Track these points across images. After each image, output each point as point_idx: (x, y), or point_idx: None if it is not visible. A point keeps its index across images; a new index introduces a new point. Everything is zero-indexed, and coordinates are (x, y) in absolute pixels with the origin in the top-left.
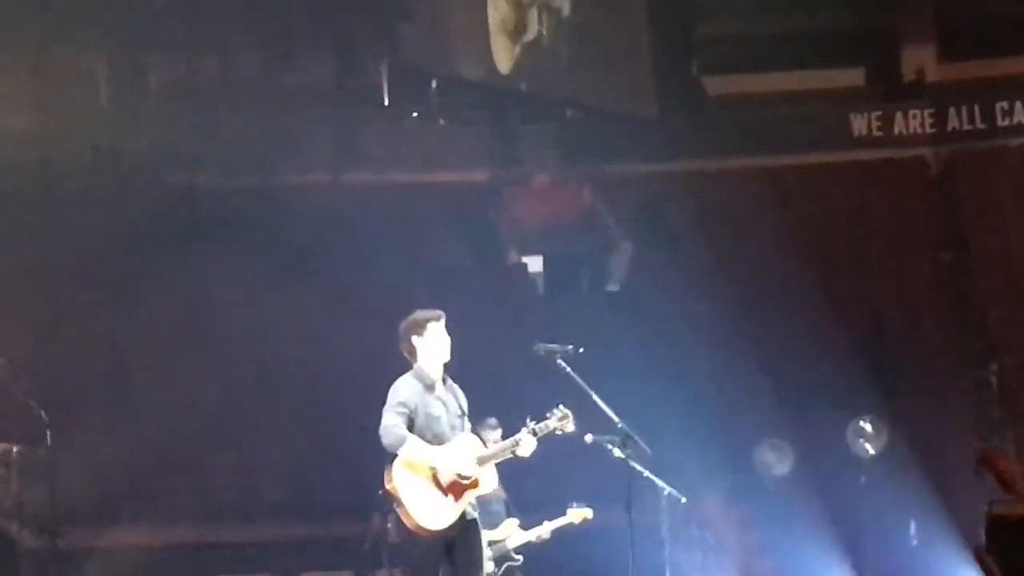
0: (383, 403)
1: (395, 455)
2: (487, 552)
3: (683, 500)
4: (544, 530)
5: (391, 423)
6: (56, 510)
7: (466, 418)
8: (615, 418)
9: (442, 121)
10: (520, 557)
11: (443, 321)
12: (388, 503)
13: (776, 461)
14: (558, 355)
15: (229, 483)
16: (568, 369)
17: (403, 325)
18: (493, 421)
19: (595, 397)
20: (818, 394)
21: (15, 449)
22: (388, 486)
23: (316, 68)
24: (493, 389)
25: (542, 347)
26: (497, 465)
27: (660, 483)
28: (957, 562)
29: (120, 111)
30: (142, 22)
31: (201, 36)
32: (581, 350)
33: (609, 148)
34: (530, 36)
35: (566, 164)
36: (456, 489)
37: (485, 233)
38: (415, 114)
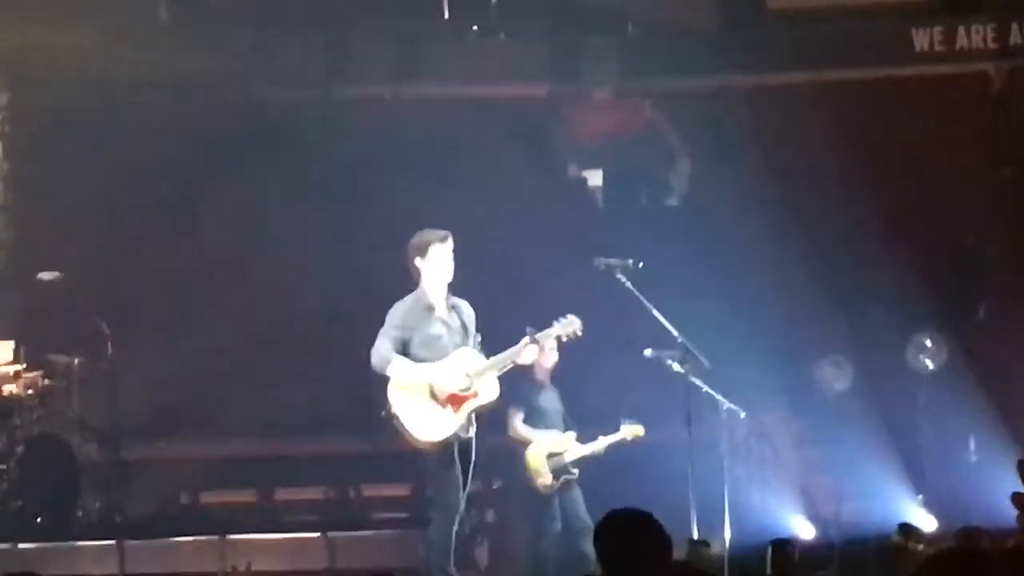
0: None
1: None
2: (546, 464)
3: (742, 415)
4: (598, 445)
5: (379, 346)
6: (116, 422)
7: (471, 335)
8: (675, 333)
9: (502, 35)
10: (576, 471)
11: (449, 242)
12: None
13: (835, 377)
14: (618, 269)
15: (288, 396)
16: (628, 283)
17: (409, 245)
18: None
19: (654, 312)
20: (878, 310)
21: (76, 361)
22: (384, 402)
23: None
24: (554, 304)
25: (602, 261)
26: (557, 380)
27: (719, 398)
28: (1016, 479)
29: (178, 29)
30: None
31: None
32: (641, 264)
33: (669, 63)
34: None
35: (626, 79)
36: (454, 401)
37: (545, 148)
38: (475, 28)
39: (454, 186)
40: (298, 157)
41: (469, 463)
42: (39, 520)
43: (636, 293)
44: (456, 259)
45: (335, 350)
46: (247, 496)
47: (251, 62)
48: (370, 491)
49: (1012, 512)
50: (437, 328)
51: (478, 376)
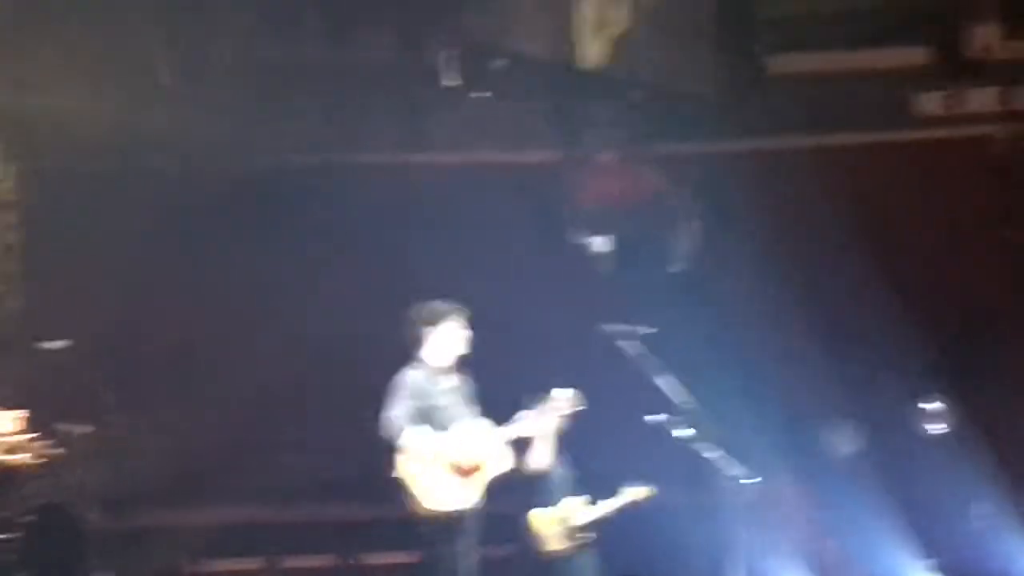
0: None
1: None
2: (555, 530)
3: (751, 481)
4: (607, 507)
5: (392, 415)
6: (124, 490)
7: (475, 405)
8: (681, 399)
9: (505, 101)
10: (592, 534)
11: (461, 319)
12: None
13: (843, 440)
14: (620, 336)
15: (296, 463)
16: (631, 350)
17: (415, 314)
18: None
19: (661, 378)
20: (884, 375)
21: (82, 430)
22: (395, 474)
23: (379, 48)
24: (559, 370)
25: (604, 328)
26: (566, 443)
27: (727, 464)
28: None
29: (179, 93)
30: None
31: (262, 17)
32: (648, 332)
33: (672, 128)
34: (619, 29)
35: (629, 144)
36: (468, 472)
37: (549, 214)
38: (478, 94)
39: (459, 253)
40: (301, 224)
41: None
42: None
43: (640, 360)
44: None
45: (339, 417)
46: (254, 564)
47: (253, 128)
48: (375, 559)
49: None
50: (442, 400)
51: (491, 446)
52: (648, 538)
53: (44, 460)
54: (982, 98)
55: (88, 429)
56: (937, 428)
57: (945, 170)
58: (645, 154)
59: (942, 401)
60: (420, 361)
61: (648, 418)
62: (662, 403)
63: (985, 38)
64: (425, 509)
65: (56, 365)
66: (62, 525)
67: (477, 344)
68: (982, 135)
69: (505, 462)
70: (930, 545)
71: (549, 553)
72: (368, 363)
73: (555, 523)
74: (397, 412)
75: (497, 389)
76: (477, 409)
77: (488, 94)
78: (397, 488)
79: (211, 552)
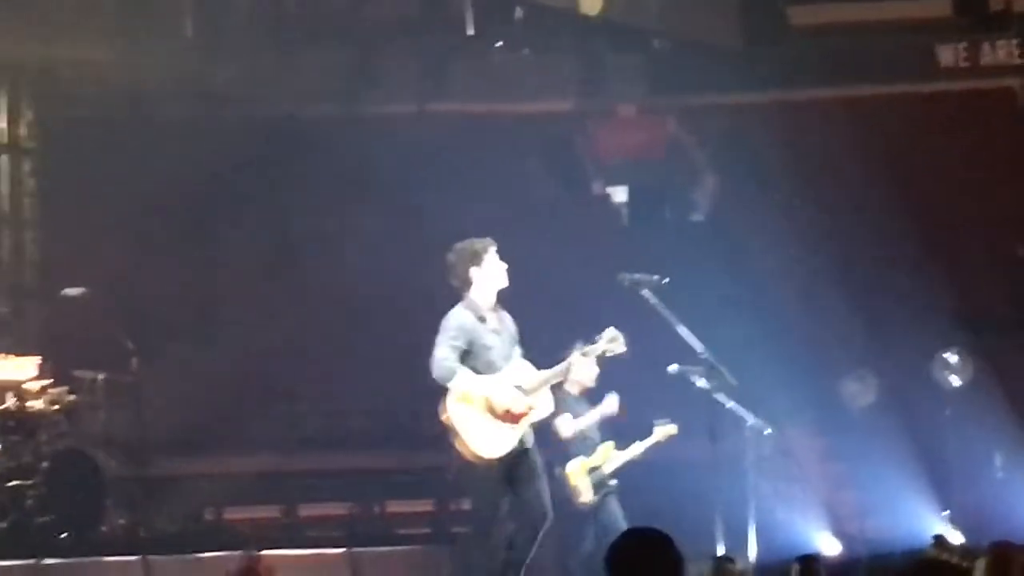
0: None
1: (447, 387)
2: (587, 480)
3: (768, 431)
4: (636, 450)
5: (441, 356)
6: (142, 438)
7: (518, 345)
8: (700, 349)
9: (527, 51)
10: (615, 482)
11: (496, 248)
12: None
13: (861, 393)
14: (643, 286)
15: (313, 412)
16: (653, 300)
17: (456, 255)
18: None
19: (679, 328)
20: (904, 326)
21: (100, 377)
22: (443, 417)
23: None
24: (579, 319)
25: (627, 277)
26: (591, 393)
27: (744, 414)
28: None
29: (203, 43)
30: None
31: None
32: (666, 281)
33: (693, 79)
34: None
35: (651, 95)
36: (510, 417)
37: (570, 163)
38: (500, 44)
39: (479, 201)
40: (323, 172)
41: (533, 472)
42: (64, 536)
43: (661, 309)
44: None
45: (360, 366)
46: (272, 512)
47: (276, 77)
48: (394, 507)
49: None
50: (490, 339)
51: (534, 391)
52: (665, 487)
53: (63, 407)
54: (1005, 49)
55: (106, 376)
56: (957, 380)
57: (967, 121)
58: (667, 105)
59: (962, 353)
60: (468, 300)
61: (669, 368)
62: (682, 352)
63: None
64: (475, 454)
65: (74, 312)
66: (81, 471)
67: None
68: (1005, 87)
69: (547, 405)
70: (948, 497)
71: (579, 504)
72: (388, 313)
73: (587, 472)
74: (447, 353)
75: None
76: (520, 350)
77: (509, 44)
78: (443, 433)
79: (229, 500)
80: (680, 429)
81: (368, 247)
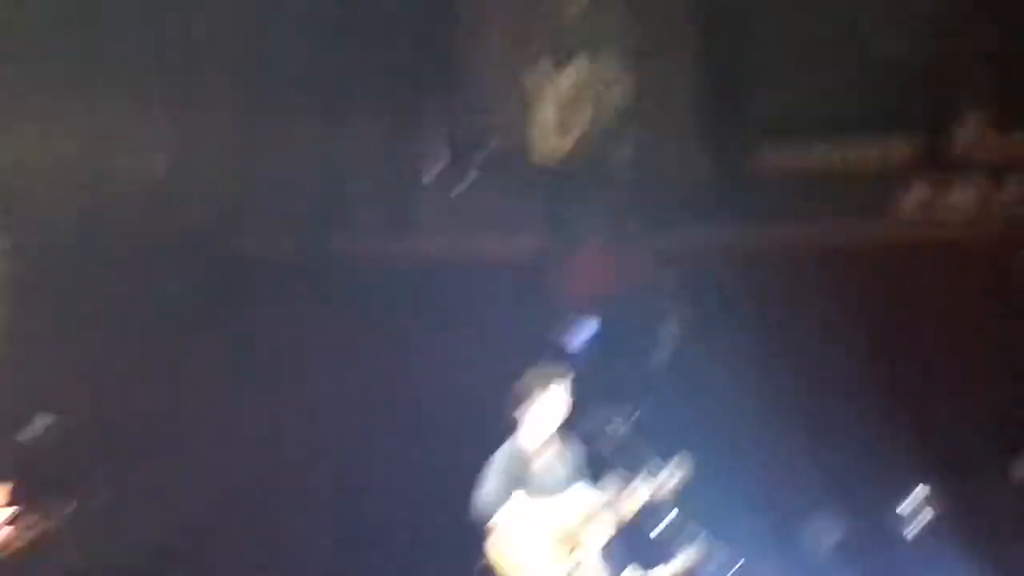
0: (432, 477)
1: (494, 522)
2: None
3: (733, 567)
4: None
5: (487, 490)
6: (110, 570)
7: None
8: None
9: (494, 191)
10: None
11: (561, 384)
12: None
13: (823, 534)
14: (609, 423)
15: (271, 556)
16: (615, 438)
17: (524, 381)
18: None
19: (644, 465)
20: (870, 469)
21: (70, 506)
22: (488, 558)
23: (370, 135)
24: None
25: (594, 416)
26: None
27: (710, 549)
28: None
29: (173, 169)
30: (196, 82)
31: (256, 99)
32: (633, 419)
33: (659, 218)
34: (581, 129)
35: (617, 234)
36: (564, 546)
37: (537, 301)
38: (466, 184)
39: (446, 341)
40: (287, 305)
41: None
42: None
43: (626, 446)
44: (448, 416)
45: (317, 502)
46: None
47: (242, 212)
48: None
49: None
50: (544, 473)
51: (591, 519)
52: None
53: (30, 536)
54: (967, 195)
55: (75, 505)
56: (923, 523)
57: (929, 266)
58: (629, 245)
59: (927, 497)
60: (517, 436)
61: None
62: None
63: (972, 134)
64: None
65: (43, 440)
66: None
67: (465, 438)
68: (968, 231)
69: (600, 543)
70: None
71: None
72: (353, 450)
73: None
74: (491, 487)
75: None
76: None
77: (472, 183)
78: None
79: None
80: (643, 561)
81: (330, 385)
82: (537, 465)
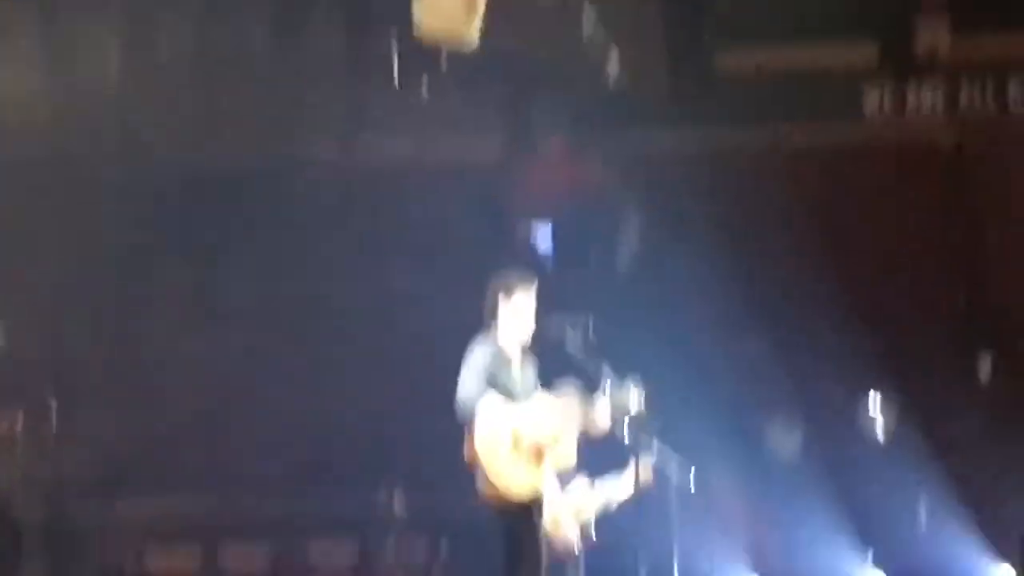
0: (392, 379)
1: (473, 421)
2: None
3: (692, 476)
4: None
5: (466, 387)
6: (61, 483)
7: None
8: (629, 392)
9: (453, 96)
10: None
11: (532, 289)
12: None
13: (785, 437)
14: (567, 330)
15: (236, 455)
16: (577, 344)
17: (494, 283)
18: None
19: (605, 372)
20: (831, 371)
21: (20, 418)
22: (468, 451)
23: (327, 40)
24: None
25: (551, 321)
26: None
27: (669, 456)
28: (967, 544)
29: (128, 84)
30: None
31: (210, 8)
32: (591, 325)
33: (620, 123)
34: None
35: (577, 137)
36: (537, 454)
37: (495, 207)
38: (425, 86)
39: (404, 246)
40: (247, 220)
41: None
42: None
43: (586, 353)
44: (407, 317)
45: (286, 410)
46: (193, 559)
47: (200, 122)
48: (317, 550)
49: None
50: (512, 381)
51: (561, 431)
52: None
53: None
54: (929, 97)
55: (25, 417)
56: (883, 424)
57: (892, 168)
58: (592, 148)
59: (888, 397)
60: (491, 334)
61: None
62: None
63: (934, 36)
64: (497, 494)
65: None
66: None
67: (422, 339)
68: (929, 133)
69: (571, 456)
70: (871, 542)
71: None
72: (310, 357)
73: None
74: (470, 388)
75: (447, 387)
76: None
77: (434, 86)
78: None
79: (150, 546)
80: (602, 470)
81: (292, 293)
82: (508, 368)
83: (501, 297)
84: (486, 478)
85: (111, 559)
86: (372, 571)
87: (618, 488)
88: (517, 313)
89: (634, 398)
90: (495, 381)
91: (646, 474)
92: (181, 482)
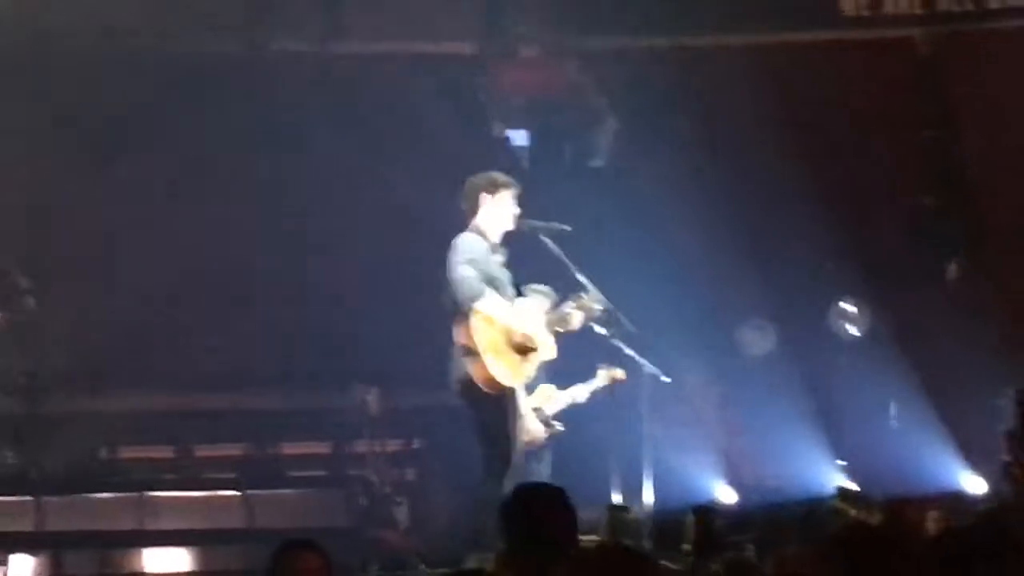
0: (367, 274)
1: (468, 307)
2: (534, 417)
3: (664, 378)
4: (580, 392)
5: (467, 275)
6: (34, 375)
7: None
8: (598, 295)
9: None
10: (560, 426)
11: (515, 190)
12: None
13: (757, 341)
14: (542, 231)
15: (211, 351)
16: (552, 245)
17: (474, 180)
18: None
19: (578, 275)
20: (802, 276)
21: None
22: (460, 337)
23: None
24: None
25: (527, 223)
26: None
27: (641, 361)
28: (935, 444)
29: None
30: None
31: None
32: (566, 228)
33: (596, 21)
34: None
35: (553, 37)
36: (525, 350)
37: (471, 105)
38: None
39: (377, 142)
40: (223, 111)
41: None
42: None
43: (560, 256)
44: (381, 213)
45: (257, 304)
46: (166, 452)
47: (176, 11)
48: (290, 448)
49: (933, 479)
50: (499, 270)
51: (546, 328)
52: (560, 434)
53: None
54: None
55: (2, 312)
56: (854, 329)
57: (868, 70)
58: (568, 47)
59: (860, 303)
60: (475, 226)
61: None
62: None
63: None
64: (490, 378)
65: None
66: None
67: (396, 239)
68: (906, 37)
69: (552, 350)
70: (843, 447)
71: (530, 443)
72: (285, 252)
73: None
74: (470, 272)
75: (422, 283)
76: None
77: None
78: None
79: (123, 439)
80: (577, 376)
81: (266, 187)
82: (496, 264)
83: (485, 194)
84: (480, 365)
85: (84, 450)
86: (345, 469)
87: (582, 389)
88: (501, 210)
89: (601, 301)
90: (486, 275)
91: (612, 377)
92: (155, 377)
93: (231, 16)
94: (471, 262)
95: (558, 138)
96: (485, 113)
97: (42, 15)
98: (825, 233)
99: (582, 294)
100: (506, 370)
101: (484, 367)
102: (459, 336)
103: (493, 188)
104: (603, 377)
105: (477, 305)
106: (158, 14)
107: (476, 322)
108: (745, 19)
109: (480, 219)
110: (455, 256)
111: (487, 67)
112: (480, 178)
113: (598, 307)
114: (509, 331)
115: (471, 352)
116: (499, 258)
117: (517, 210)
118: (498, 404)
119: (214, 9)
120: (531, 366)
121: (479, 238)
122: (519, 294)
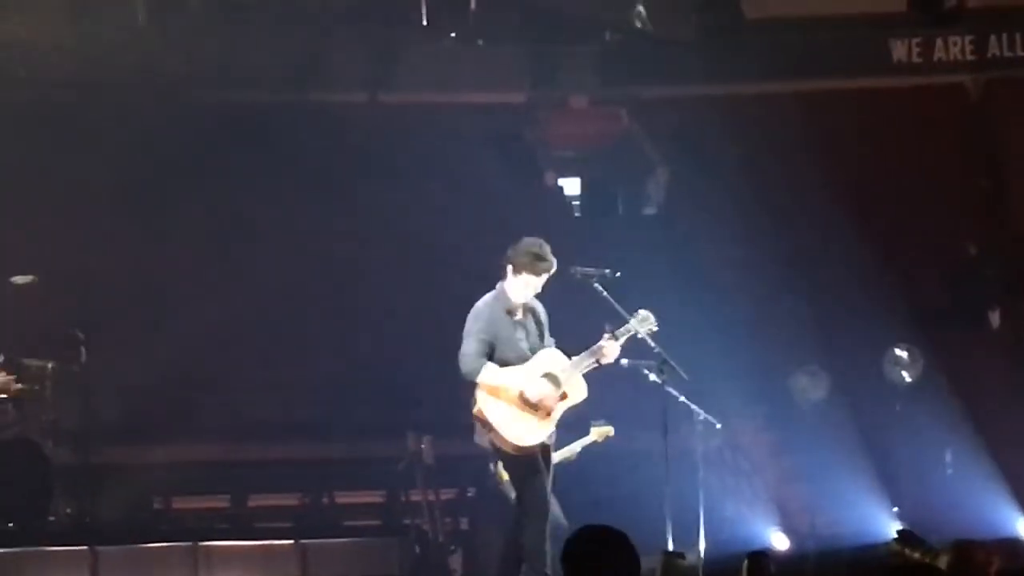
0: (418, 324)
1: (472, 381)
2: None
3: (718, 426)
4: (571, 449)
5: (468, 351)
6: (90, 426)
7: (546, 337)
8: (651, 343)
9: (480, 42)
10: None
11: (552, 271)
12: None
13: (811, 387)
14: (594, 279)
15: (261, 401)
16: (604, 293)
17: (518, 246)
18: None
19: (631, 321)
20: (855, 322)
21: (50, 365)
22: (474, 411)
23: None
24: None
25: (578, 271)
26: None
27: (695, 408)
28: (990, 491)
29: (156, 30)
30: None
31: None
32: (618, 274)
33: (647, 71)
34: None
35: (604, 86)
36: (544, 405)
37: (522, 155)
38: (453, 34)
39: (430, 192)
40: (273, 161)
41: (549, 465)
42: (10, 525)
43: (613, 302)
44: (432, 264)
45: (309, 355)
46: (220, 502)
47: (228, 64)
48: (343, 498)
49: (988, 525)
50: (518, 332)
51: (566, 378)
52: (615, 480)
53: (10, 395)
54: (957, 46)
55: (55, 364)
56: (907, 376)
57: (919, 116)
58: (619, 96)
59: (912, 349)
60: (500, 290)
61: (621, 362)
62: (634, 347)
63: None
64: (512, 445)
65: (23, 300)
66: (28, 461)
67: (448, 284)
68: (956, 83)
69: (581, 391)
70: (898, 493)
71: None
72: (335, 300)
73: None
74: (474, 348)
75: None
76: (551, 340)
77: (462, 34)
78: (470, 424)
79: (177, 489)
80: (631, 423)
81: (316, 237)
82: (512, 327)
83: (510, 267)
84: (495, 434)
85: (139, 500)
86: (399, 518)
87: (573, 450)
88: (519, 288)
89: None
90: (497, 338)
91: (603, 434)
92: (205, 428)
93: (282, 67)
94: (477, 332)
95: (610, 186)
96: (536, 162)
97: (95, 68)
98: (877, 279)
99: (630, 316)
100: (525, 432)
101: (502, 437)
102: (473, 409)
103: (519, 267)
104: (595, 434)
105: (479, 379)
106: (209, 66)
107: (482, 396)
108: (795, 66)
109: (507, 284)
110: (465, 329)
111: (538, 116)
112: (522, 248)
113: (647, 326)
114: (521, 394)
115: (485, 424)
116: (519, 318)
117: (537, 290)
118: (530, 463)
119: (265, 61)
120: (555, 416)
121: (495, 301)
122: (541, 343)
